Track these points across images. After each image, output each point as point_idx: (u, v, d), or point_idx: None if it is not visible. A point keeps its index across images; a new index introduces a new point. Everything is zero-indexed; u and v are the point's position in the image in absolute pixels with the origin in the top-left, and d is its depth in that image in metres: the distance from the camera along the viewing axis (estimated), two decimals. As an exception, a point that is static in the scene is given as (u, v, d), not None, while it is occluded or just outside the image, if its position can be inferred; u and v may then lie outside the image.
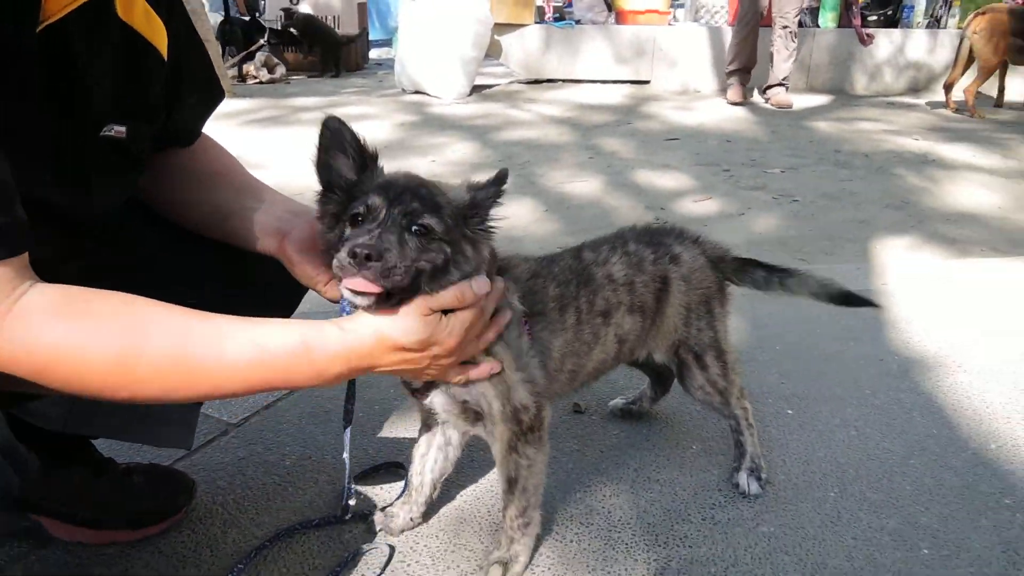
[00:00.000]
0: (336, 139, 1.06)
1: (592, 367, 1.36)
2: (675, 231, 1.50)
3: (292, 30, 8.81)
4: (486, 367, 1.14)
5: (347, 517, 1.37)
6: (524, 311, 1.21)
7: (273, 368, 0.95)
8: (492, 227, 1.09)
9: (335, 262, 0.98)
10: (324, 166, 1.08)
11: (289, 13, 9.13)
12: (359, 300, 0.98)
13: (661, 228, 1.51)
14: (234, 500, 1.48)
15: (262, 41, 8.49)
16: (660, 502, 1.48)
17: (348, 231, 1.02)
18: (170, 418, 1.34)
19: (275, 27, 9.33)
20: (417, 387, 1.21)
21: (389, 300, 0.99)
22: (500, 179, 1.07)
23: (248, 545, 1.35)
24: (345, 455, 1.29)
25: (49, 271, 0.83)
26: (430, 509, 1.42)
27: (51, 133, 0.93)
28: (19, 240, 0.79)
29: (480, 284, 1.06)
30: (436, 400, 1.22)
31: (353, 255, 0.94)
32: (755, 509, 1.45)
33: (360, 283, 0.95)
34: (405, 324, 1.01)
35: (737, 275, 1.53)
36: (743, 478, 1.50)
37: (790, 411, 1.81)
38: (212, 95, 1.29)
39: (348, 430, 1.28)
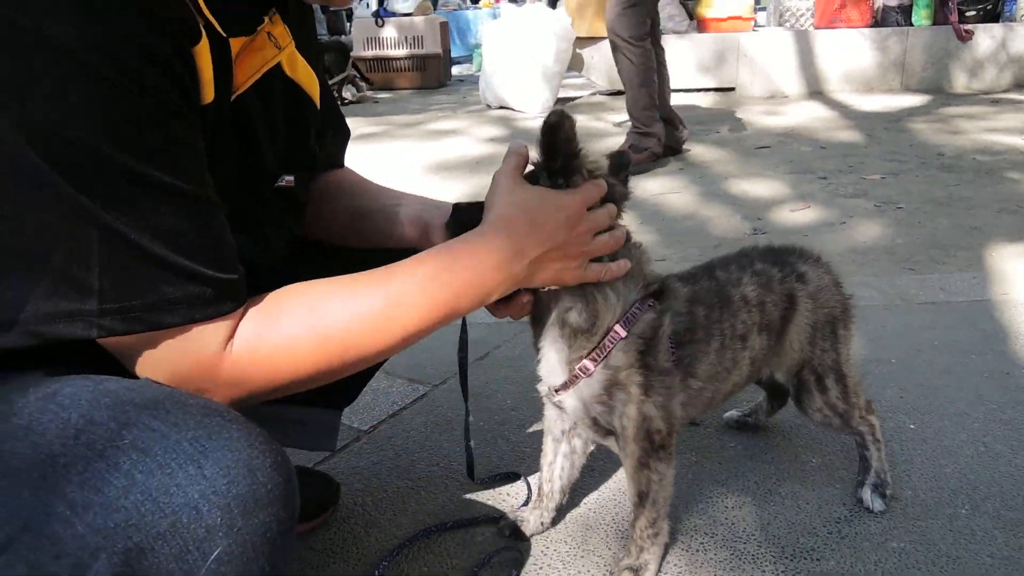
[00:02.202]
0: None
1: (728, 390, 1.38)
2: (797, 250, 1.49)
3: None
4: (624, 263, 1.17)
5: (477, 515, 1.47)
6: (674, 334, 1.23)
7: (439, 286, 0.98)
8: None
9: None
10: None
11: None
12: None
13: (783, 247, 1.50)
14: (372, 502, 1.59)
15: (351, 71, 8.81)
16: (784, 515, 1.49)
17: None
18: (316, 423, 1.47)
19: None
20: (557, 387, 1.25)
21: None
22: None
23: (389, 544, 1.44)
24: (468, 416, 1.45)
25: None
26: (558, 515, 1.48)
27: (241, 196, 1.02)
28: (245, 292, 0.89)
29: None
30: (568, 403, 1.26)
31: None
32: (882, 525, 1.44)
33: None
34: (522, 189, 1.07)
35: None
36: (867, 494, 1.49)
37: (912, 426, 1.78)
38: (344, 128, 1.42)
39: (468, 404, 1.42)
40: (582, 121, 6.55)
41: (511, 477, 1.63)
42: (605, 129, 6.21)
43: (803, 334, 1.43)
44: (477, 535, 1.47)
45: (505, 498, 1.58)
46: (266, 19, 0.98)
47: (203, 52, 0.82)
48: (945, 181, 4.19)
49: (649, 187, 4.36)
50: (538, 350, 1.26)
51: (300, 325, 0.90)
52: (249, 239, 1.08)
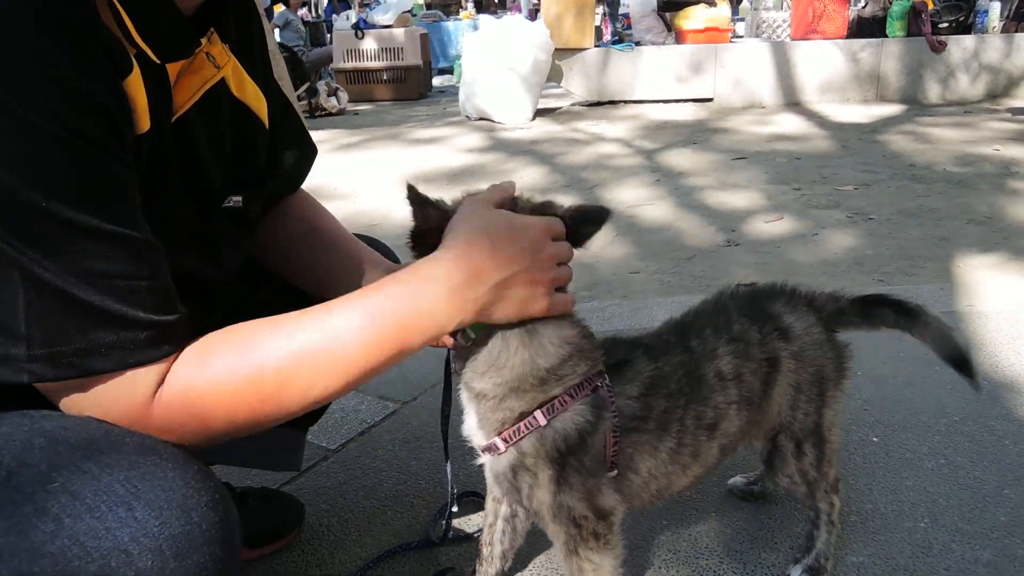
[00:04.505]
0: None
1: (685, 484, 1.20)
2: (785, 293, 1.29)
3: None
4: (570, 296, 1.04)
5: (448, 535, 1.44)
6: (616, 424, 1.06)
7: (383, 318, 0.89)
8: None
9: None
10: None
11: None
12: None
13: (769, 290, 1.30)
14: (338, 523, 1.58)
15: (314, 84, 8.79)
16: (747, 530, 1.50)
17: None
18: (280, 442, 1.46)
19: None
20: (483, 445, 1.09)
21: None
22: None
23: (354, 565, 1.44)
24: (447, 467, 1.32)
25: (194, 334, 0.89)
26: None
27: (186, 214, 1.02)
28: (184, 335, 0.85)
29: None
30: (487, 469, 1.12)
31: None
32: (844, 539, 1.45)
33: None
34: (486, 212, 0.99)
35: (865, 319, 1.31)
36: (796, 573, 1.34)
37: (875, 439, 1.80)
38: (307, 151, 1.37)
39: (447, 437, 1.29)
40: (561, 132, 6.62)
41: (472, 496, 1.60)
42: (587, 141, 6.25)
43: (784, 398, 1.24)
44: (441, 555, 1.47)
45: (471, 519, 1.57)
46: (203, 40, 0.97)
47: (135, 82, 0.81)
48: (916, 192, 4.26)
49: (625, 198, 4.39)
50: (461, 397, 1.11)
51: (231, 366, 0.85)
52: (201, 258, 1.08)
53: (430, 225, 1.01)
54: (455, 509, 1.41)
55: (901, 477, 1.65)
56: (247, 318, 1.07)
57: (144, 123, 0.84)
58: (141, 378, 0.81)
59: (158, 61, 0.87)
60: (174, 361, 0.84)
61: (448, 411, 1.27)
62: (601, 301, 2.88)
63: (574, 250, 1.04)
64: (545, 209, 1.05)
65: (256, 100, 1.14)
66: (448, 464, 1.33)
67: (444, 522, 1.42)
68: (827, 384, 1.27)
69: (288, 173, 1.33)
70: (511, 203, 1.03)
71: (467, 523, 1.55)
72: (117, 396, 0.80)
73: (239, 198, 1.11)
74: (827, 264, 3.20)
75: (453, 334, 1.04)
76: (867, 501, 1.57)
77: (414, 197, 1.04)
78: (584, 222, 1.06)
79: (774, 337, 1.21)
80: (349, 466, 1.79)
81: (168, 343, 0.82)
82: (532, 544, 1.30)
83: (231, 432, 0.87)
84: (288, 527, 1.52)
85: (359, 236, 1.39)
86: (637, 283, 3.10)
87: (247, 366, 0.85)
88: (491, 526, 1.31)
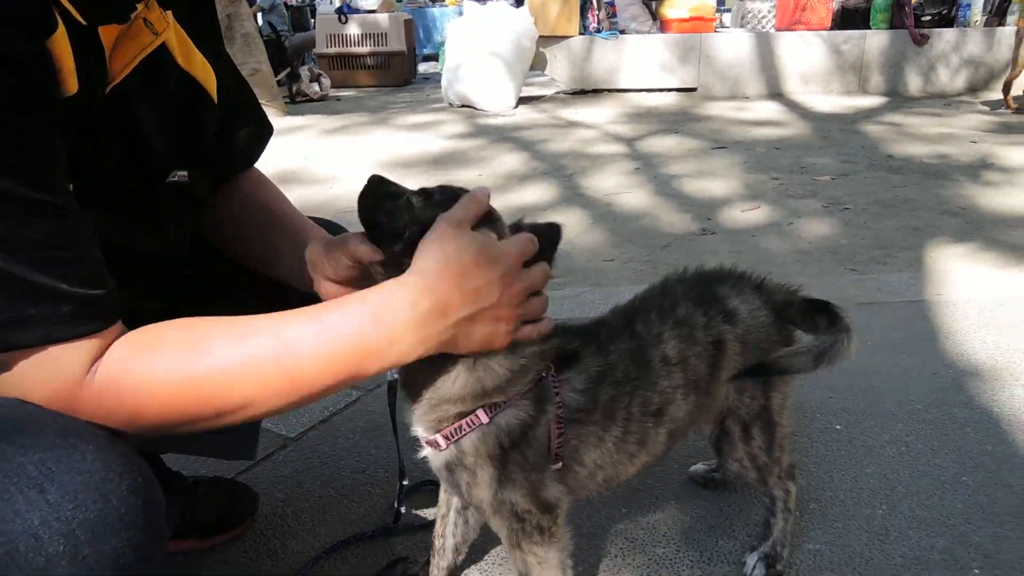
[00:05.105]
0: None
1: (633, 472, 1.18)
2: (733, 276, 1.28)
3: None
4: (548, 322, 1.01)
5: (398, 524, 1.42)
6: (559, 415, 1.03)
7: (342, 338, 0.85)
8: None
9: None
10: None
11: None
12: None
13: (716, 274, 1.28)
14: (293, 512, 1.55)
15: (296, 69, 8.67)
16: (705, 518, 1.49)
17: None
18: (234, 431, 1.42)
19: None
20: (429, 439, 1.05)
21: None
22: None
23: (306, 555, 1.41)
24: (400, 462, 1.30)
25: (134, 313, 0.86)
26: (455, 572, 1.35)
27: (129, 186, 0.99)
28: (113, 310, 0.82)
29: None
30: (427, 452, 1.07)
31: None
32: (802, 526, 1.45)
33: None
34: (460, 236, 0.90)
35: (805, 321, 1.28)
36: (752, 560, 1.32)
37: (839, 426, 1.80)
38: (261, 131, 1.33)
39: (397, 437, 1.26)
40: (543, 119, 6.58)
41: (429, 485, 1.57)
42: (569, 129, 6.21)
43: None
44: (396, 544, 1.44)
45: (428, 509, 1.55)
46: (140, 5, 0.94)
47: (60, 41, 0.77)
48: (893, 182, 4.26)
49: (602, 185, 4.37)
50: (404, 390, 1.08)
51: (174, 362, 0.81)
52: (144, 231, 1.05)
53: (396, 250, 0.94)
54: (406, 482, 1.37)
55: (862, 464, 1.65)
56: (197, 299, 1.04)
57: (71, 85, 0.80)
58: (68, 356, 0.77)
59: (84, 22, 0.83)
60: (109, 342, 0.80)
61: (396, 384, 1.21)
62: (574, 288, 2.86)
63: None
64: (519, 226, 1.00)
65: (204, 72, 1.10)
66: (396, 438, 1.29)
67: (396, 502, 1.40)
68: None
69: (241, 150, 1.30)
70: (487, 216, 0.96)
71: (427, 511, 1.53)
72: (42, 375, 0.77)
73: (184, 173, 1.08)
74: (801, 253, 3.19)
75: None
76: (827, 488, 1.57)
77: (369, 217, 0.97)
78: (550, 243, 1.00)
79: (719, 320, 1.20)
80: (308, 454, 1.76)
81: (96, 318, 0.79)
82: (487, 536, 1.28)
83: (161, 429, 0.84)
84: (241, 517, 1.49)
85: (317, 219, 1.35)
86: (611, 271, 3.08)
87: (189, 367, 0.82)
88: (443, 517, 1.29)
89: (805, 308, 1.27)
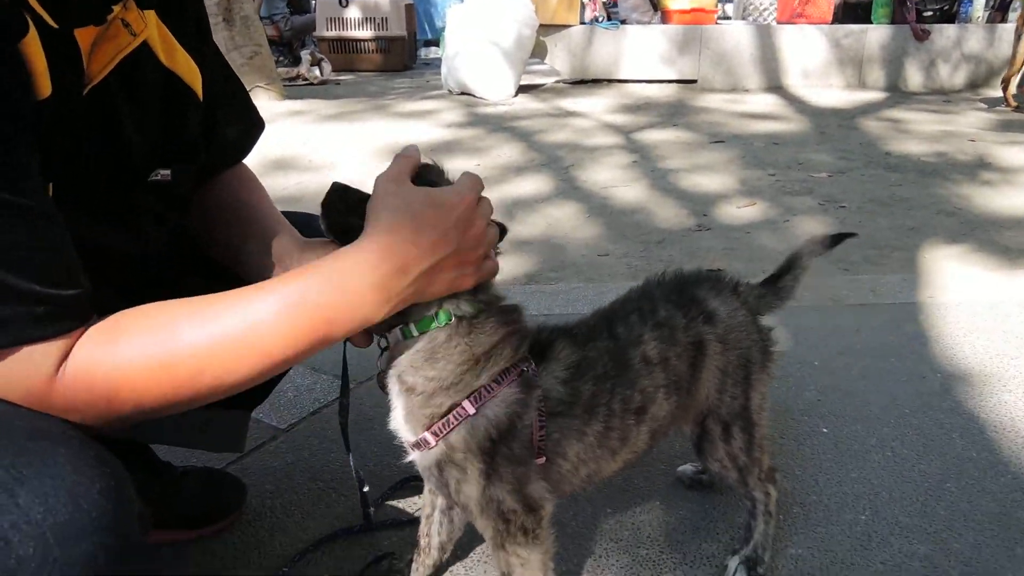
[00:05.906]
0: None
1: (615, 469, 1.19)
2: (710, 278, 1.31)
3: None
4: (495, 264, 1.03)
5: (371, 524, 1.44)
6: (541, 410, 1.05)
7: (306, 308, 0.87)
8: None
9: None
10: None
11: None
12: None
13: (695, 276, 1.31)
14: (281, 505, 1.56)
15: (296, 52, 8.60)
16: (690, 520, 1.50)
17: None
18: (222, 423, 1.43)
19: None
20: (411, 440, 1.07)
21: None
22: None
23: (294, 548, 1.43)
24: (350, 459, 1.30)
25: (107, 310, 0.86)
26: (440, 570, 1.37)
27: (107, 187, 0.99)
28: (88, 310, 0.82)
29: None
30: (414, 456, 1.08)
31: None
32: (785, 530, 1.47)
33: None
34: (405, 191, 0.93)
35: (777, 294, 1.37)
36: (733, 564, 1.34)
37: (825, 430, 1.81)
38: (251, 127, 1.32)
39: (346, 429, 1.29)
40: (542, 109, 6.55)
41: (412, 482, 1.59)
42: (567, 119, 6.19)
43: (712, 381, 1.25)
44: (383, 539, 1.46)
45: (414, 503, 1.56)
46: (117, 7, 0.93)
47: (32, 44, 0.77)
48: (889, 180, 4.26)
49: (599, 178, 4.36)
50: (387, 391, 1.09)
51: (141, 348, 0.82)
52: (124, 233, 1.05)
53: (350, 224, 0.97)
54: (366, 489, 1.37)
55: (847, 469, 1.66)
56: (174, 298, 1.04)
57: (44, 88, 0.80)
58: (40, 355, 0.78)
59: (55, 25, 0.83)
60: (78, 338, 0.81)
61: (347, 402, 1.26)
62: (568, 283, 2.87)
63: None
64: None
65: (188, 69, 1.10)
66: (351, 456, 1.29)
67: (364, 512, 1.40)
68: (753, 367, 1.29)
69: (230, 147, 1.29)
70: (423, 170, 0.99)
71: (412, 506, 1.54)
72: (14, 374, 0.77)
73: (167, 172, 1.07)
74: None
75: (385, 334, 1.04)
76: (811, 492, 1.58)
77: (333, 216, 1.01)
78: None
79: (699, 321, 1.22)
80: (298, 446, 1.77)
81: (69, 318, 0.79)
82: (473, 534, 1.29)
83: (139, 415, 0.84)
84: (229, 508, 1.50)
85: (297, 214, 1.34)
86: (605, 266, 3.08)
87: (161, 350, 0.82)
88: (428, 517, 1.30)
89: (772, 286, 1.37)
